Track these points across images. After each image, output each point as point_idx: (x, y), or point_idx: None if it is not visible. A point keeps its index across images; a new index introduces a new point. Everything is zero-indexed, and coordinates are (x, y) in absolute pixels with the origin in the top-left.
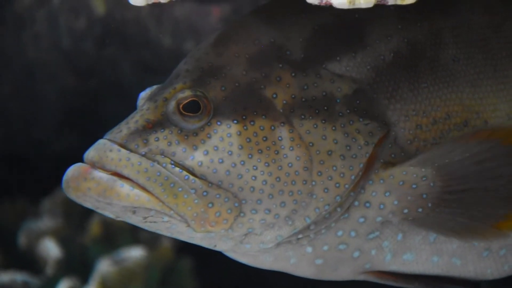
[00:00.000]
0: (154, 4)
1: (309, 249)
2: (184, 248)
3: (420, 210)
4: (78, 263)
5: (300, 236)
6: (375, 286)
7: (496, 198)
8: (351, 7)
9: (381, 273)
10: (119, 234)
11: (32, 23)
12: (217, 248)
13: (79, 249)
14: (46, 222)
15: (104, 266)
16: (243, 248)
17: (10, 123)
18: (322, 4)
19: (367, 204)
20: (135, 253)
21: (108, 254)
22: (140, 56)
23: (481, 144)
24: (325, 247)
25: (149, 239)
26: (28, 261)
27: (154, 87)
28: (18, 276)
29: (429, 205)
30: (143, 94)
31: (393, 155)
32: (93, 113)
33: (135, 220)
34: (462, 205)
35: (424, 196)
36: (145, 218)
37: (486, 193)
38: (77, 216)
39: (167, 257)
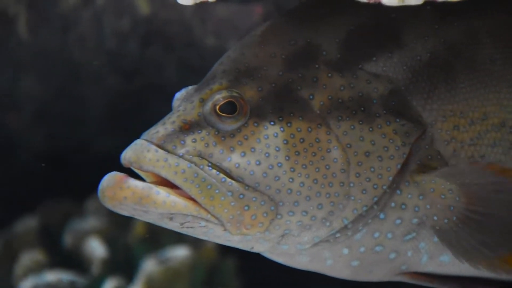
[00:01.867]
0: (201, 3)
1: (346, 251)
2: (228, 248)
3: (446, 221)
4: (123, 263)
5: (338, 235)
6: (409, 287)
7: (508, 231)
8: (400, 4)
9: (417, 274)
10: (164, 233)
11: (76, 24)
12: (254, 250)
13: (124, 249)
14: (91, 222)
15: (149, 266)
16: (280, 249)
17: (55, 124)
18: (371, 2)
19: (403, 206)
20: (179, 252)
21: (153, 253)
22: (184, 56)
23: (496, 176)
24: (362, 249)
25: (193, 239)
26: (74, 261)
27: (190, 87)
28: (64, 276)
29: (454, 218)
30: (178, 95)
31: (429, 156)
32: (137, 114)
33: (172, 226)
34: (480, 228)
35: (451, 208)
36: (182, 224)
37: (500, 223)
38: (122, 216)
39: (211, 257)
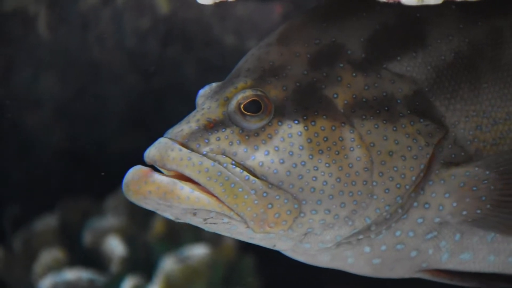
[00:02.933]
0: (220, 3)
1: (367, 249)
2: (246, 246)
3: (478, 211)
4: (142, 261)
5: (360, 237)
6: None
7: None
8: (419, 4)
9: (437, 271)
10: (183, 232)
11: (96, 23)
12: (276, 248)
13: (143, 247)
14: (110, 220)
15: (168, 264)
16: (303, 247)
17: (74, 122)
18: (390, 2)
19: (426, 205)
20: (198, 251)
21: (172, 252)
22: (203, 55)
23: None
24: (383, 247)
25: (212, 237)
26: (93, 259)
27: (213, 84)
28: (83, 274)
29: (488, 206)
30: (202, 92)
31: (453, 155)
32: (157, 112)
33: (195, 221)
34: None
35: (483, 198)
36: (205, 219)
37: None
38: (141, 214)
39: (230, 255)
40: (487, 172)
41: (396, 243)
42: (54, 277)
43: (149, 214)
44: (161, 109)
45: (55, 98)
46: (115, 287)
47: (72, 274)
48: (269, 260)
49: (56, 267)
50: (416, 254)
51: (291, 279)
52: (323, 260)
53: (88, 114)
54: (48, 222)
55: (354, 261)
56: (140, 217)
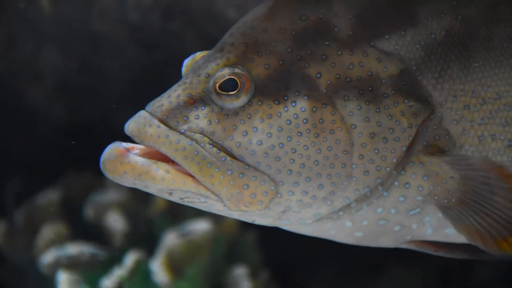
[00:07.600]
0: None
1: (349, 224)
2: (248, 222)
3: (446, 201)
4: (144, 236)
5: (340, 213)
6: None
7: (500, 220)
8: None
9: (423, 243)
10: (184, 207)
11: None
12: (256, 223)
13: (145, 222)
14: (112, 195)
15: (170, 239)
16: (282, 223)
17: (77, 96)
18: None
19: (407, 185)
20: (200, 226)
21: (174, 227)
22: (205, 29)
23: (500, 181)
24: (365, 222)
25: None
26: (95, 234)
27: (197, 54)
28: (85, 248)
29: (454, 200)
30: (187, 61)
31: (437, 137)
32: (158, 86)
33: (172, 199)
34: (476, 212)
35: (451, 192)
36: (182, 198)
37: (494, 213)
38: None
39: (232, 231)
40: (452, 171)
41: (378, 219)
42: (56, 251)
43: None
44: (163, 82)
45: (57, 72)
46: (117, 261)
47: (74, 248)
48: (270, 236)
49: (58, 241)
50: (399, 228)
51: (292, 255)
52: (305, 230)
53: (90, 88)
54: (50, 196)
55: (336, 233)
56: (142, 192)
